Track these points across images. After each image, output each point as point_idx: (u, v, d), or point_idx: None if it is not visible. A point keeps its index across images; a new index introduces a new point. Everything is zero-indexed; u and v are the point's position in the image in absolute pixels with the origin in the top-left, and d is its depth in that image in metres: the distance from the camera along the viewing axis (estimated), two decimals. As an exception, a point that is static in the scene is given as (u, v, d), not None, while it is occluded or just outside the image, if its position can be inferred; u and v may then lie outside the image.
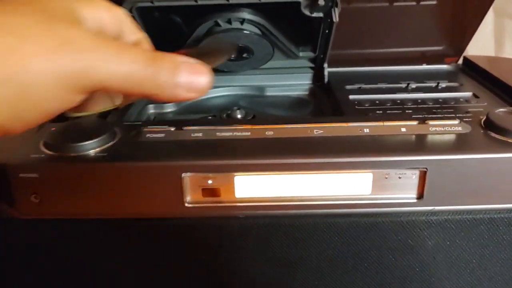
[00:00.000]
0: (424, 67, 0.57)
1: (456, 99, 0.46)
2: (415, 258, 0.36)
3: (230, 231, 0.34)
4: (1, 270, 0.37)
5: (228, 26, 0.45)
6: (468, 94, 0.47)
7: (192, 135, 0.35)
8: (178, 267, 0.36)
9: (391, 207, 0.34)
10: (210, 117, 0.46)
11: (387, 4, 0.52)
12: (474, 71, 0.54)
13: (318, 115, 0.48)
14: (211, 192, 0.33)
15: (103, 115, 0.44)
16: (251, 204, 0.34)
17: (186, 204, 0.33)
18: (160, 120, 0.49)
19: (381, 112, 0.43)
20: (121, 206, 0.34)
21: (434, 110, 0.43)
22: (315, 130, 0.36)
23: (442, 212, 0.34)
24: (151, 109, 0.50)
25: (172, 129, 0.36)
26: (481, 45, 0.74)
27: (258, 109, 0.49)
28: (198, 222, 0.34)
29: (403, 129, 0.35)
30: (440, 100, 0.46)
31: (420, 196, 0.33)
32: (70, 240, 0.36)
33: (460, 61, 0.58)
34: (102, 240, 0.36)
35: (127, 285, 0.37)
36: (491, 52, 0.75)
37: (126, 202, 0.34)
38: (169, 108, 0.50)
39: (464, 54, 0.58)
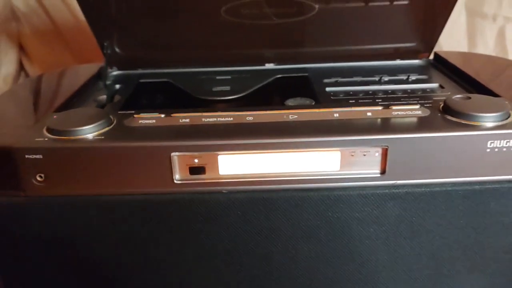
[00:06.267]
0: (398, 62, 0.61)
1: (423, 90, 0.50)
2: (380, 228, 0.40)
3: (215, 205, 0.38)
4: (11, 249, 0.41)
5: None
6: (434, 85, 0.51)
7: (180, 121, 0.39)
8: (170, 240, 0.40)
9: (357, 181, 0.38)
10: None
11: (363, 4, 0.56)
12: (443, 65, 0.58)
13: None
14: (197, 170, 0.37)
15: (101, 106, 0.48)
16: (233, 180, 0.38)
17: (175, 181, 0.37)
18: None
19: (353, 101, 0.47)
20: (117, 183, 0.38)
21: (402, 99, 0.47)
22: (290, 116, 0.40)
23: (403, 185, 0.38)
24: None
25: (162, 116, 0.40)
26: (455, 44, 0.79)
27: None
28: (185, 197, 0.38)
29: (369, 114, 0.40)
30: (408, 90, 0.50)
31: (383, 171, 0.38)
32: (70, 215, 0.39)
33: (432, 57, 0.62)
34: (100, 214, 0.39)
35: (124, 258, 0.41)
36: (464, 50, 0.79)
37: (121, 180, 0.37)
38: None
39: (439, 50, 0.62)
